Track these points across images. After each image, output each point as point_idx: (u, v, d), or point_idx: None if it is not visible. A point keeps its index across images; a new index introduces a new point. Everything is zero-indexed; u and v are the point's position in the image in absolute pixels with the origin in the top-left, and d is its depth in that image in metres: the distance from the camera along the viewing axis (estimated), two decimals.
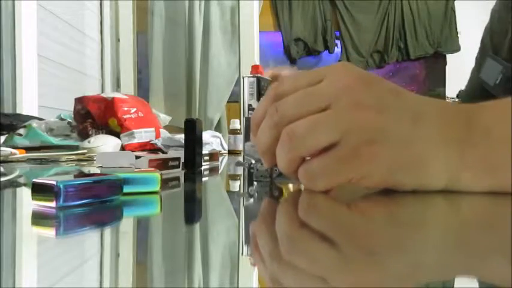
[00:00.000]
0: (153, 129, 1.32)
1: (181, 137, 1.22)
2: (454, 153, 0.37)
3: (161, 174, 0.43)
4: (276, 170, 0.43)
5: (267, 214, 0.38)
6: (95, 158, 0.94)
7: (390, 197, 0.38)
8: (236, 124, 1.58)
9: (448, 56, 4.16)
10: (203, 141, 1.22)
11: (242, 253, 0.26)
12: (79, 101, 1.35)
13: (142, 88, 3.16)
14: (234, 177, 0.75)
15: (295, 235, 0.28)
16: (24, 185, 0.57)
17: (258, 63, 2.69)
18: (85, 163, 0.93)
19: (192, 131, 0.68)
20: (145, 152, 1.06)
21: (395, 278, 0.20)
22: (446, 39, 4.12)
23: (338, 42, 4.13)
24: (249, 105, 0.55)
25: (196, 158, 0.68)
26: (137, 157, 0.56)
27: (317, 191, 0.39)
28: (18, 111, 1.82)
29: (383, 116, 0.37)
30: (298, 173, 0.39)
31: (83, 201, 0.35)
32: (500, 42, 0.75)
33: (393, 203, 0.38)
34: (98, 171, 0.47)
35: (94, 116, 1.31)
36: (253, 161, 0.49)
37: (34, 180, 0.35)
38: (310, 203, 0.38)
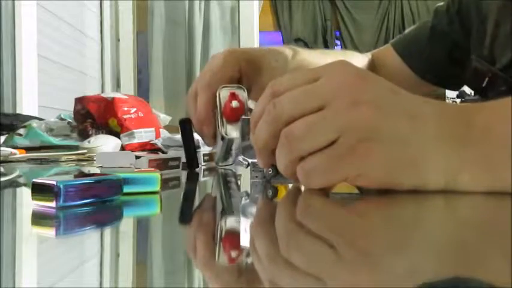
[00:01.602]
0: (153, 129, 1.32)
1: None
2: (452, 152, 0.37)
3: (161, 174, 0.43)
4: (270, 171, 0.43)
5: (263, 215, 0.38)
6: (94, 158, 0.94)
7: (388, 198, 0.38)
8: None
9: None
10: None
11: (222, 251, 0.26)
12: (79, 101, 1.35)
13: (142, 88, 3.15)
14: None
15: (293, 236, 0.28)
16: (24, 185, 0.57)
17: None
18: (85, 163, 0.93)
19: (185, 130, 0.67)
20: (145, 152, 1.05)
21: (392, 278, 0.20)
22: None
23: (338, 42, 4.12)
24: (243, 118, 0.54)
25: (194, 157, 0.68)
26: (137, 157, 0.56)
27: (314, 188, 0.38)
28: (18, 111, 1.82)
29: (380, 114, 0.37)
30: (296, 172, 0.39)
31: (83, 201, 0.35)
32: (484, 19, 0.71)
33: (391, 203, 0.38)
34: (97, 171, 0.47)
35: (94, 116, 1.31)
36: (250, 161, 0.49)
37: (34, 180, 0.35)
38: (308, 204, 0.38)
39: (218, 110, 0.58)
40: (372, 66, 0.82)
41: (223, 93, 0.58)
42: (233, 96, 0.57)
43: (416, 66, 0.81)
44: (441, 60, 0.79)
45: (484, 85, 0.69)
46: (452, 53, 0.78)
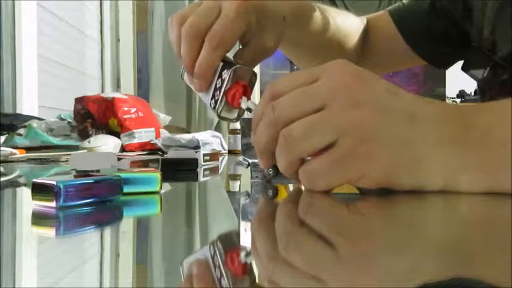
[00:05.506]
0: (153, 129, 1.32)
1: (181, 137, 1.22)
2: (451, 153, 0.37)
3: (161, 174, 0.43)
4: (270, 171, 0.43)
5: (264, 215, 0.38)
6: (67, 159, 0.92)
7: (388, 198, 0.38)
8: (236, 124, 1.58)
9: None
10: (203, 141, 1.22)
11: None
12: (79, 101, 1.35)
13: (142, 88, 3.15)
14: (234, 177, 0.75)
15: (293, 235, 0.28)
16: (24, 185, 0.57)
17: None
18: None
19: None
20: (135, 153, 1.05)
21: (392, 278, 0.20)
22: None
23: None
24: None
25: None
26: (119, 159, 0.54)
27: (317, 191, 0.38)
28: (18, 111, 1.82)
29: (380, 115, 0.37)
30: (298, 174, 0.39)
31: (83, 201, 0.35)
32: (485, 7, 0.69)
33: (391, 203, 0.38)
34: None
35: (94, 116, 1.31)
36: (250, 161, 0.49)
37: (34, 180, 0.35)
38: (309, 204, 0.38)
39: (223, 87, 0.51)
40: (366, 30, 0.81)
41: (235, 75, 0.51)
42: (246, 92, 0.51)
43: (410, 37, 0.77)
44: (437, 37, 0.77)
45: (485, 75, 0.68)
46: (449, 32, 0.76)
